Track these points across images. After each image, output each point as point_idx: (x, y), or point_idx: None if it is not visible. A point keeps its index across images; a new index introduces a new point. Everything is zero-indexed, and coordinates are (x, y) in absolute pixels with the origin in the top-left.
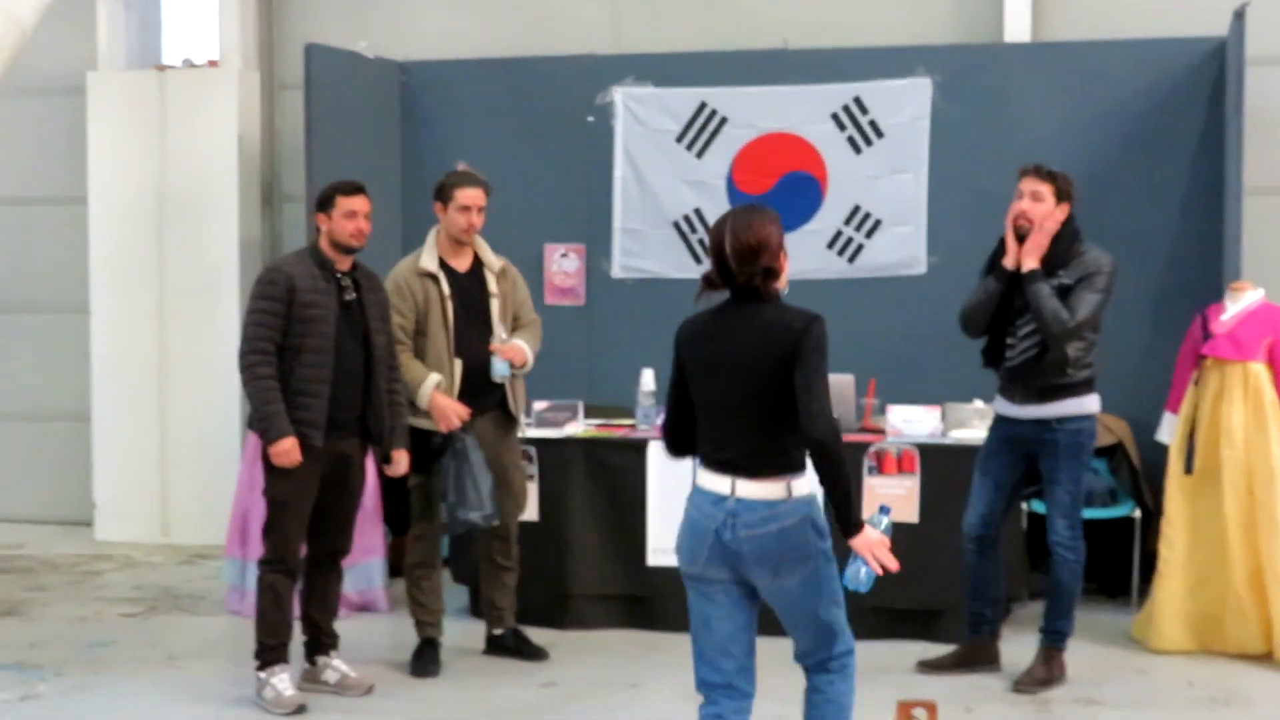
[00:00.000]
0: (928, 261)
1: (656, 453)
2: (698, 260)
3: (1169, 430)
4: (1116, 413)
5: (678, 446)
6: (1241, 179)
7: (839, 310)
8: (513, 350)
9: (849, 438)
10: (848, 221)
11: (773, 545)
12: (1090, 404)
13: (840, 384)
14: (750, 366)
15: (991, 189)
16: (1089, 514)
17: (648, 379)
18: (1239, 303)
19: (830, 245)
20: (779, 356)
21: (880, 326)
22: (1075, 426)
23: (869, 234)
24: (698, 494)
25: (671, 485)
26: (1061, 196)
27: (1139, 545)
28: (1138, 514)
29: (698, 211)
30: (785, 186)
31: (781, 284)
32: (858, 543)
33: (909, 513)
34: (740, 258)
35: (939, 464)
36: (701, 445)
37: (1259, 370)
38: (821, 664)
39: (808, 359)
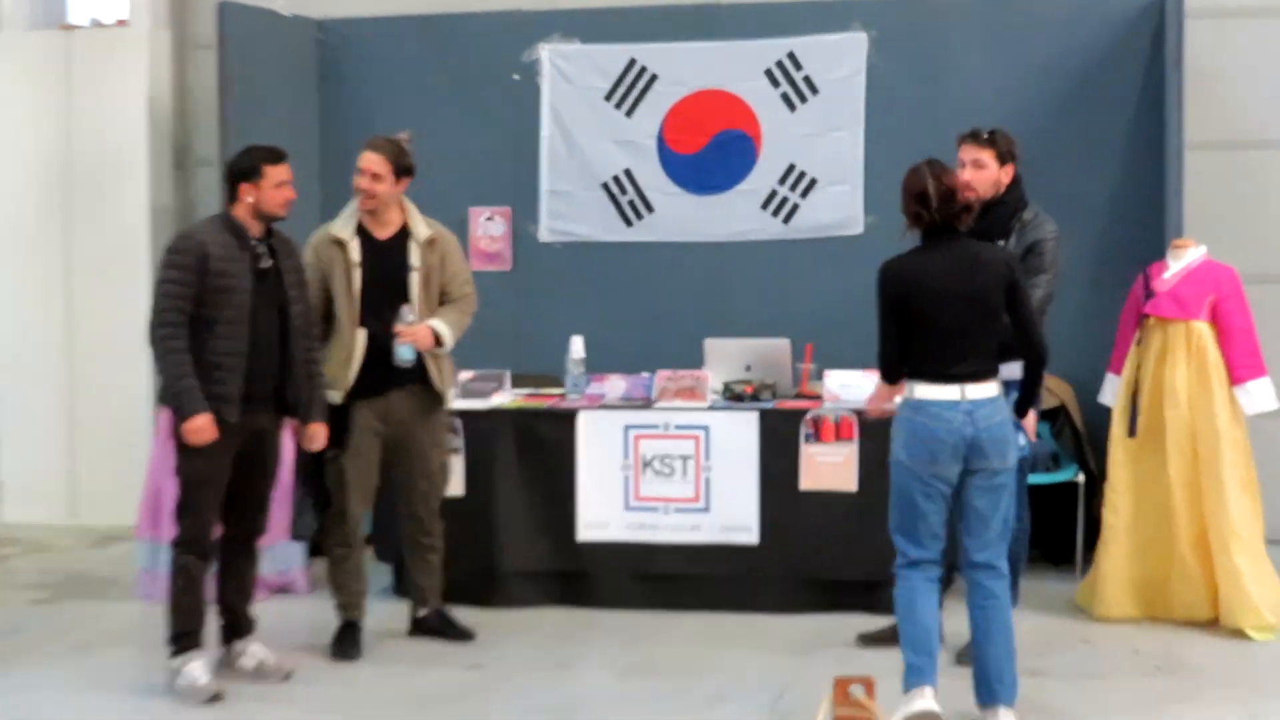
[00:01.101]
0: (864, 221)
1: (588, 423)
2: (627, 222)
3: (1111, 392)
4: (1058, 375)
5: (896, 372)
6: (1183, 134)
7: (774, 272)
8: (417, 334)
9: (785, 404)
10: (783, 181)
11: (1001, 431)
12: (1010, 370)
13: (775, 348)
14: (984, 296)
15: (929, 146)
16: (1032, 479)
17: (577, 346)
18: (1181, 260)
19: (765, 205)
20: (1000, 287)
21: (817, 289)
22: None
23: (804, 193)
24: (927, 406)
25: (602, 456)
26: (1004, 159)
27: (1083, 511)
28: (1081, 478)
29: (628, 172)
30: (718, 145)
31: (968, 220)
32: (1026, 422)
33: (847, 481)
34: (944, 199)
35: (878, 430)
36: (923, 364)
37: (1202, 329)
38: (989, 564)
39: (1022, 289)
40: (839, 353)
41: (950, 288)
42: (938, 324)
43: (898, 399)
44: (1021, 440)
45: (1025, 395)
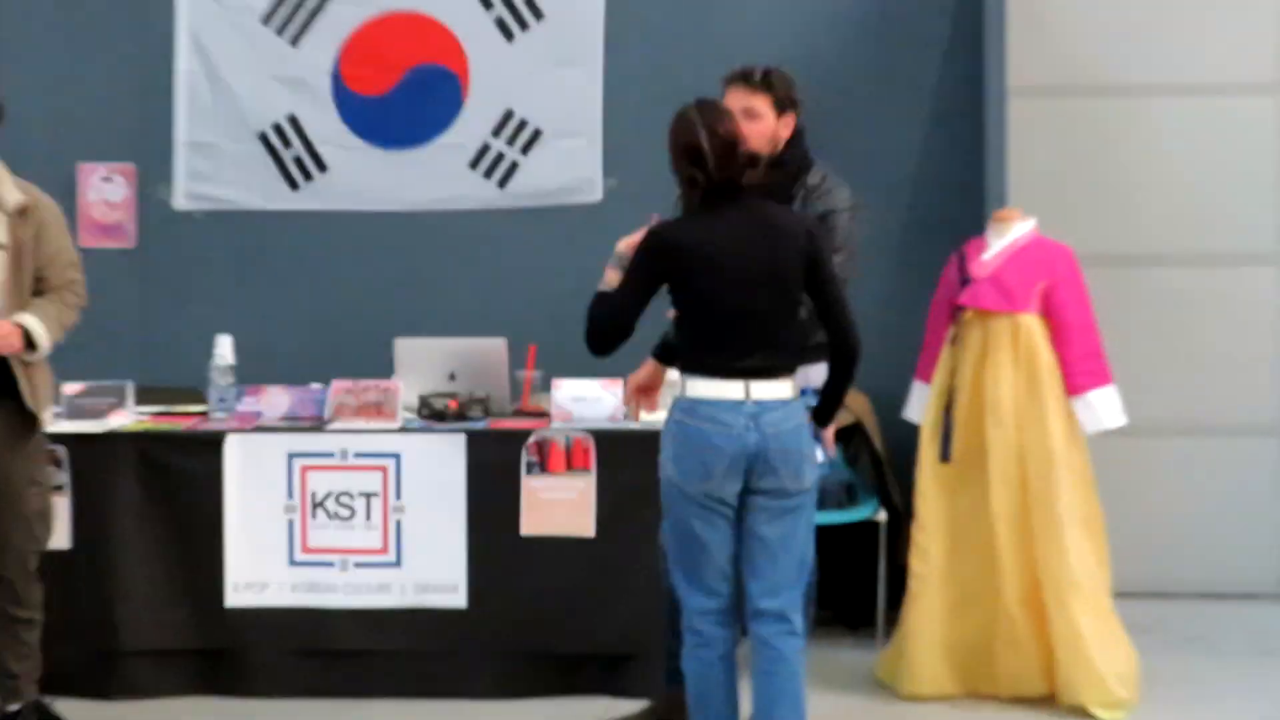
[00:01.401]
0: (604, 185)
1: (239, 451)
2: (293, 185)
3: (920, 406)
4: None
5: (608, 345)
6: (1005, 77)
7: (486, 253)
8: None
9: (501, 424)
10: (497, 132)
11: (794, 441)
12: (815, 375)
13: (488, 351)
14: (780, 273)
15: (688, 89)
16: (820, 519)
17: (224, 349)
18: (1005, 236)
19: (474, 164)
20: (800, 261)
21: (543, 273)
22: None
23: (526, 149)
24: (701, 406)
25: (258, 495)
26: (783, 107)
27: (885, 559)
28: (883, 517)
29: (293, 120)
30: (413, 85)
31: (757, 175)
32: (827, 432)
33: (582, 524)
34: (724, 153)
35: (622, 458)
36: (701, 355)
37: (1031, 323)
38: (781, 613)
39: (828, 263)
40: (572, 357)
41: (738, 261)
42: (721, 306)
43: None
44: (820, 456)
45: (828, 398)
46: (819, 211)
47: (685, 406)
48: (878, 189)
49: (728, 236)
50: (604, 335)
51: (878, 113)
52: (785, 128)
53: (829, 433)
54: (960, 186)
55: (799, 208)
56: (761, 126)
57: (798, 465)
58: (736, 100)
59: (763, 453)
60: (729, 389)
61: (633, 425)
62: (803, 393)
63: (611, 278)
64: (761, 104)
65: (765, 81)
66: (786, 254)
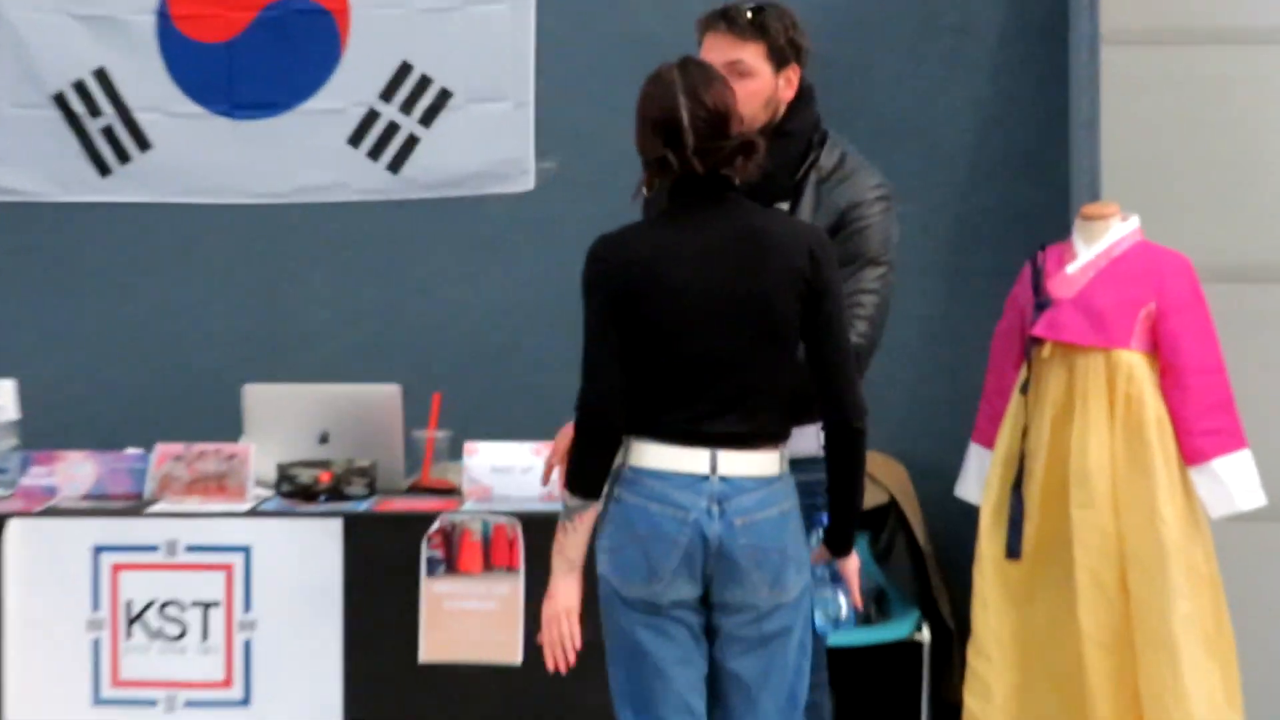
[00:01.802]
0: (537, 170)
1: (23, 540)
2: (103, 169)
3: (978, 479)
4: (884, 449)
5: (614, 424)
6: (1098, 20)
7: (373, 263)
8: None
9: (392, 505)
10: (389, 94)
11: (773, 537)
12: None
13: (375, 402)
14: (766, 304)
15: (655, 34)
16: (838, 639)
17: (3, 397)
18: (1097, 241)
19: (356, 139)
20: (794, 286)
21: (453, 293)
22: (803, 478)
23: (428, 118)
24: (648, 479)
25: (49, 603)
26: (783, 57)
27: (928, 693)
28: (925, 636)
29: (102, 76)
30: (270, 27)
31: (752, 167)
32: (851, 565)
33: (505, 647)
34: (710, 128)
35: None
36: (653, 411)
37: (1133, 363)
38: None
39: (831, 292)
40: (492, 409)
41: (709, 286)
42: (683, 346)
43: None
44: (844, 608)
45: (839, 508)
46: (842, 205)
47: (628, 479)
48: (919, 174)
49: (699, 251)
50: (599, 416)
51: (920, 69)
52: (787, 86)
53: (850, 567)
54: (1035, 171)
55: (811, 198)
56: (754, 86)
57: (777, 571)
58: (717, 51)
59: (727, 552)
60: (688, 459)
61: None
62: (793, 466)
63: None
64: (752, 55)
65: (757, 23)
66: (778, 278)
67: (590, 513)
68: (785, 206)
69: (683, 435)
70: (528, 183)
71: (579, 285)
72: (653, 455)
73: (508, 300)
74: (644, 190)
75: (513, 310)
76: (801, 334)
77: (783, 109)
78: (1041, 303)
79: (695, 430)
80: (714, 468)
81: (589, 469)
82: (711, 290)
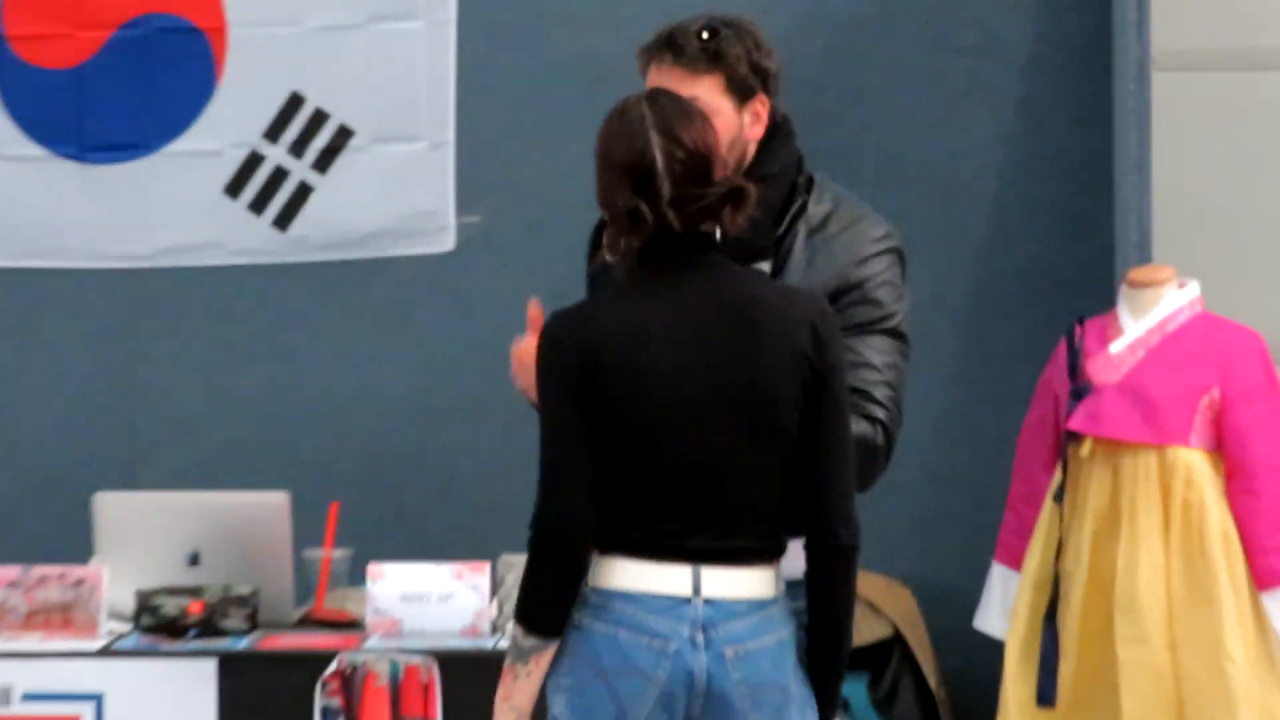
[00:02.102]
0: (457, 226)
1: None
2: None
3: (1003, 607)
4: (886, 570)
5: (579, 545)
6: (1147, 41)
7: (255, 340)
8: None
9: (278, 641)
10: (276, 132)
11: (772, 671)
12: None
13: (257, 514)
14: (761, 395)
15: (604, 56)
16: None
17: None
18: (1148, 313)
19: (235, 189)
20: (796, 370)
21: (353, 376)
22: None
23: (323, 162)
24: (620, 603)
25: None
26: (746, 88)
27: None
28: None
29: None
30: (129, 50)
31: (741, 219)
32: None
33: None
34: (689, 173)
35: (487, 696)
36: (624, 524)
37: (1193, 464)
38: None
39: (836, 377)
40: (402, 522)
41: (693, 373)
42: (662, 448)
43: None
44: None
45: (826, 651)
46: (836, 266)
47: (592, 603)
48: (930, 229)
49: (679, 329)
50: (558, 561)
51: (930, 99)
52: (755, 122)
53: None
54: (1070, 225)
55: (799, 258)
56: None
57: (778, 712)
58: (661, 83)
59: (717, 690)
60: (666, 578)
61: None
62: (789, 589)
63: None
64: (709, 90)
65: (711, 50)
66: (776, 362)
67: (547, 654)
68: (766, 267)
69: (659, 550)
70: (447, 241)
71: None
72: (622, 574)
73: (422, 387)
74: (607, 254)
75: (428, 400)
76: (802, 427)
77: (751, 150)
78: (1080, 389)
79: (675, 544)
80: (697, 588)
81: (549, 599)
82: (696, 377)
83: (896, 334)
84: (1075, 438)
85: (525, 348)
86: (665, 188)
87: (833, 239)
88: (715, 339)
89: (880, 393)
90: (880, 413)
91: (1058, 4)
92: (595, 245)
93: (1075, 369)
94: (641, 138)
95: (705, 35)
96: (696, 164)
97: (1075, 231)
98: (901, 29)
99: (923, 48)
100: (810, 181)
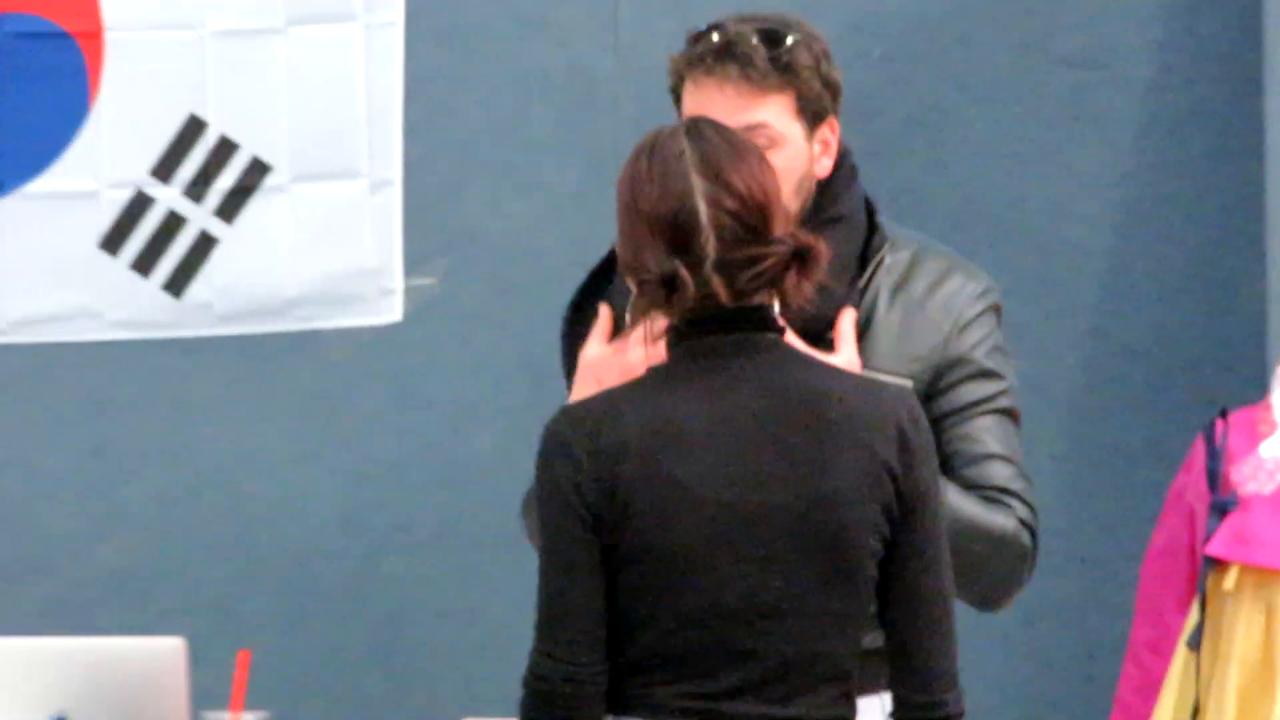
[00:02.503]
0: (406, 289)
1: None
2: None
3: None
4: None
5: (587, 708)
6: None
7: (138, 442)
8: None
9: None
10: (166, 170)
11: None
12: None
13: (149, 662)
14: (821, 518)
15: (600, 71)
16: None
17: None
18: None
19: (114, 242)
20: (877, 489)
21: (274, 485)
22: None
23: (232, 206)
24: None
25: None
26: (819, 110)
27: None
28: None
29: None
30: None
31: (809, 288)
32: None
33: None
34: (743, 228)
35: None
36: (650, 683)
37: None
38: None
39: (928, 498)
40: (333, 675)
41: (742, 490)
42: (697, 587)
43: None
44: None
45: None
46: (937, 331)
47: None
48: (1026, 289)
49: (725, 433)
50: (557, 718)
51: (1018, 128)
52: (824, 153)
53: None
54: (1210, 286)
55: (890, 322)
56: (784, 161)
57: None
58: (720, 109)
59: None
60: None
61: None
62: None
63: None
64: (779, 112)
65: (782, 61)
66: (851, 478)
67: None
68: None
69: (692, 717)
70: (392, 310)
71: (481, 471)
72: None
73: (359, 500)
74: (649, 329)
75: (366, 516)
76: (883, 563)
77: (813, 187)
78: (1223, 503)
79: (713, 711)
80: None
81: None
82: (746, 496)
83: (1012, 413)
84: (1217, 566)
85: (599, 358)
86: (710, 247)
87: (924, 299)
88: (773, 446)
89: (1018, 486)
90: (1023, 511)
91: (1189, 1)
92: (578, 309)
93: (1216, 477)
94: (680, 181)
95: (770, 41)
96: (751, 216)
97: (1216, 297)
98: (983, 33)
99: (1013, 58)
100: (874, 226)
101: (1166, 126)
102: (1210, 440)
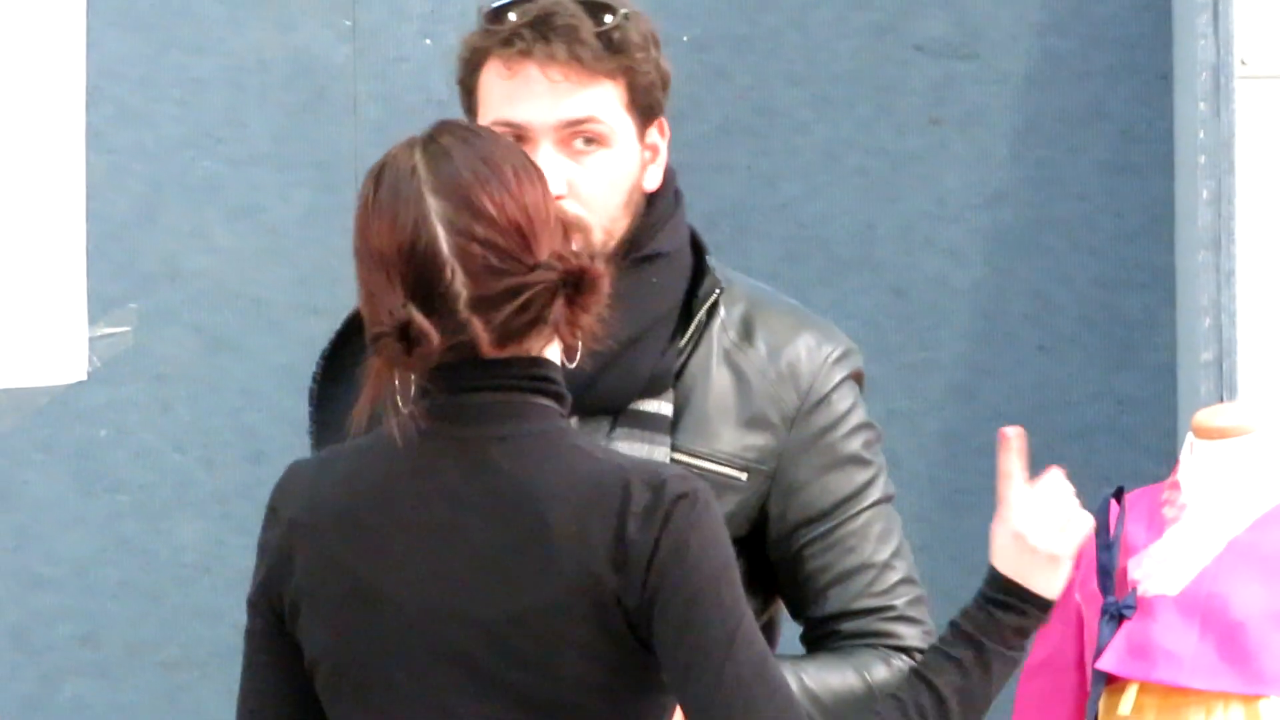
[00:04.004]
0: (89, 345)
1: None
2: None
3: None
4: None
5: None
6: (1231, 51)
7: None
8: None
9: None
10: None
11: None
12: None
13: None
14: (507, 643)
15: (321, 56)
16: None
17: None
18: (1231, 480)
19: None
20: (590, 611)
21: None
22: None
23: None
24: None
25: None
26: (651, 109)
27: None
28: None
29: None
30: None
31: (587, 323)
32: None
33: None
34: (499, 255)
35: None
36: None
37: None
38: None
39: (698, 615)
40: None
41: (429, 598)
42: (378, 711)
43: None
44: None
45: None
46: (785, 406)
47: None
48: (885, 335)
49: (422, 526)
50: None
51: (882, 124)
52: (653, 159)
53: None
54: (1112, 326)
55: (723, 389)
56: (614, 164)
57: None
58: (529, 92)
59: None
60: None
61: None
62: None
63: None
64: (606, 103)
65: (609, 34)
66: (555, 600)
67: None
68: (665, 410)
69: None
70: (76, 366)
71: (185, 571)
72: None
73: (36, 605)
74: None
75: (44, 625)
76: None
77: (641, 206)
78: (1118, 607)
79: None
80: None
81: None
82: (435, 603)
83: (888, 499)
84: (1111, 684)
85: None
86: (459, 283)
87: (765, 366)
88: (473, 547)
89: (903, 600)
90: (917, 637)
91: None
92: (332, 358)
93: (1110, 574)
94: (413, 206)
95: (593, 8)
96: (507, 239)
97: (1113, 347)
98: (823, 14)
99: (860, 45)
100: (703, 269)
101: (1051, 131)
102: (1103, 528)
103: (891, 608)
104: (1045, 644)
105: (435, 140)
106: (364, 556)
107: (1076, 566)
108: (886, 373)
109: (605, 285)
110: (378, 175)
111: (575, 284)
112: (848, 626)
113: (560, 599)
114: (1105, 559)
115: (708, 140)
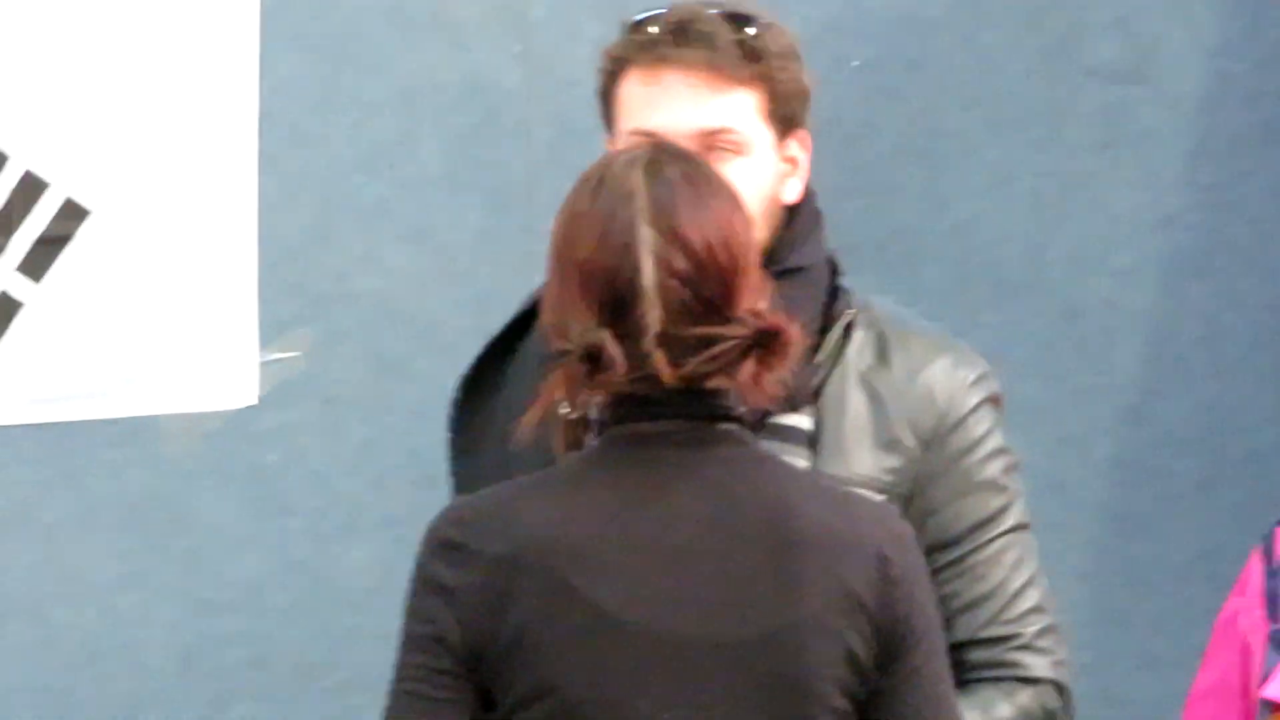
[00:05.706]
0: (259, 369)
1: None
2: None
3: None
4: None
5: None
6: None
7: None
8: None
9: None
10: None
11: None
12: None
13: None
14: (777, 658)
15: (503, 79)
16: None
17: None
18: None
19: None
20: (849, 624)
21: (112, 617)
22: None
23: (44, 260)
24: None
25: None
26: (790, 120)
27: None
28: None
29: None
30: None
31: (771, 382)
32: None
33: None
34: (695, 296)
35: None
36: None
37: None
38: None
39: (919, 637)
40: None
41: (674, 621)
42: None
43: None
44: None
45: None
46: (920, 429)
47: None
48: (1044, 361)
49: (657, 549)
50: None
51: (1050, 150)
52: (792, 172)
53: None
54: (1275, 356)
55: (859, 414)
56: (750, 176)
57: None
58: (669, 100)
59: None
60: None
61: None
62: None
63: None
64: (743, 112)
65: (748, 42)
66: (811, 618)
67: None
68: (805, 424)
69: None
70: (247, 390)
71: (355, 594)
72: None
73: (205, 629)
74: (565, 419)
75: (213, 649)
76: (868, 703)
77: (781, 221)
78: None
79: None
80: None
81: None
82: (679, 626)
83: (1023, 527)
84: (1277, 712)
85: None
86: (653, 318)
87: (903, 388)
88: (718, 564)
89: (1033, 629)
90: (1048, 670)
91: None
92: (472, 386)
93: (1276, 599)
94: (625, 231)
95: (734, 21)
96: (709, 285)
97: (1273, 365)
98: (994, 37)
99: (1031, 68)
100: (837, 290)
101: (1223, 154)
102: (1270, 554)
103: (1019, 635)
104: (1210, 671)
105: (659, 167)
106: (603, 586)
107: (1242, 593)
108: (1058, 396)
109: (797, 350)
110: (596, 185)
111: (768, 344)
112: (974, 656)
113: (817, 614)
114: (1272, 585)
115: (879, 163)
